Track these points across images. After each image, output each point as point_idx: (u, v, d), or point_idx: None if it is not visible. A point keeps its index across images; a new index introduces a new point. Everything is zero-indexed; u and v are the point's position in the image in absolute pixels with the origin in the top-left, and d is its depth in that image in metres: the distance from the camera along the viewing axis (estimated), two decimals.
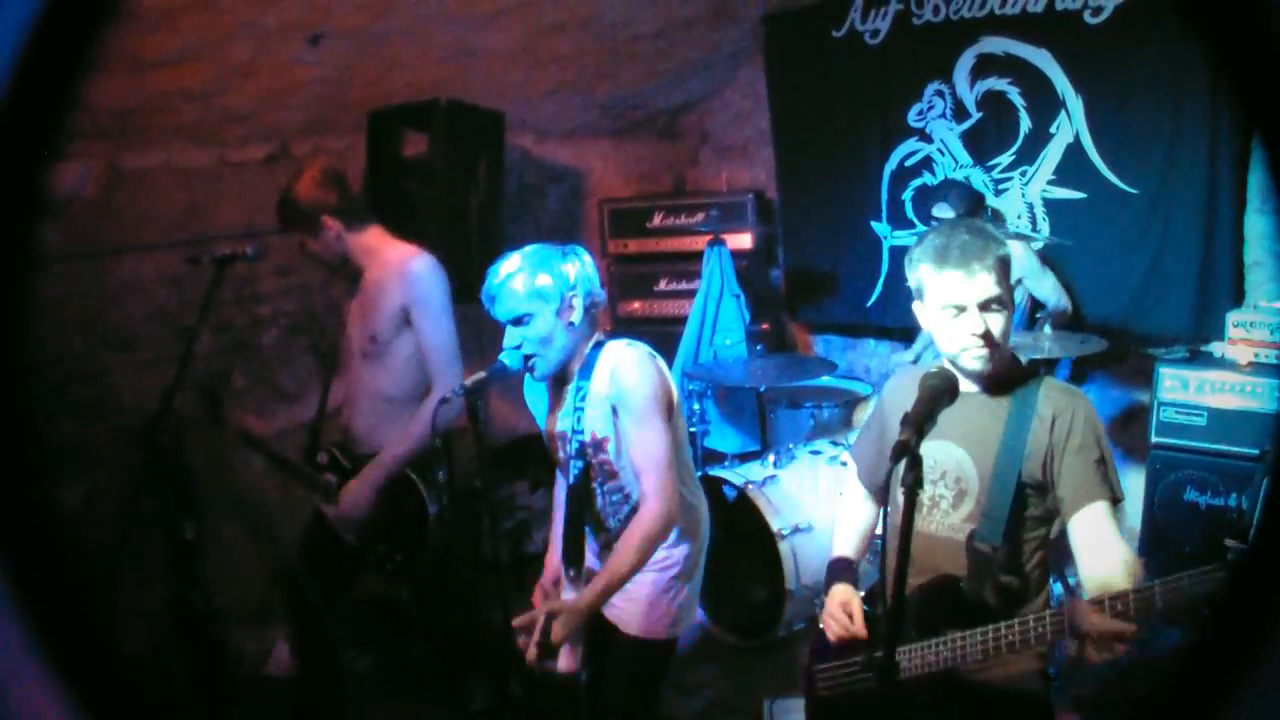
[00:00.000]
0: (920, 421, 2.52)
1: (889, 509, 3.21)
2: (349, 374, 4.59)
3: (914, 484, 2.38)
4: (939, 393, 2.66)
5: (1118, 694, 4.58)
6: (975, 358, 2.92)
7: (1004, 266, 2.90)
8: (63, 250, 4.72)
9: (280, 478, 4.69)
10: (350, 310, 4.54)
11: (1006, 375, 3.03)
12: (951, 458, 3.05)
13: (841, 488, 3.59)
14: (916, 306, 3.09)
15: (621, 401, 3.44)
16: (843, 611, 3.19)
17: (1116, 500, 2.91)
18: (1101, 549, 2.84)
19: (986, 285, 2.85)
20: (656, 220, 7.63)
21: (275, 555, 6.01)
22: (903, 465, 2.40)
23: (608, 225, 7.74)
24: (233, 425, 4.52)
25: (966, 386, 2.99)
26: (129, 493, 4.11)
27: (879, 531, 3.44)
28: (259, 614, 5.91)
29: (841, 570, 3.37)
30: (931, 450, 2.88)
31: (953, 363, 3.01)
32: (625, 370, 3.45)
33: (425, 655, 5.47)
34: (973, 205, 5.72)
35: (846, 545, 3.48)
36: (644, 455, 3.43)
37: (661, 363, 3.56)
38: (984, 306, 2.87)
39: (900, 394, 3.17)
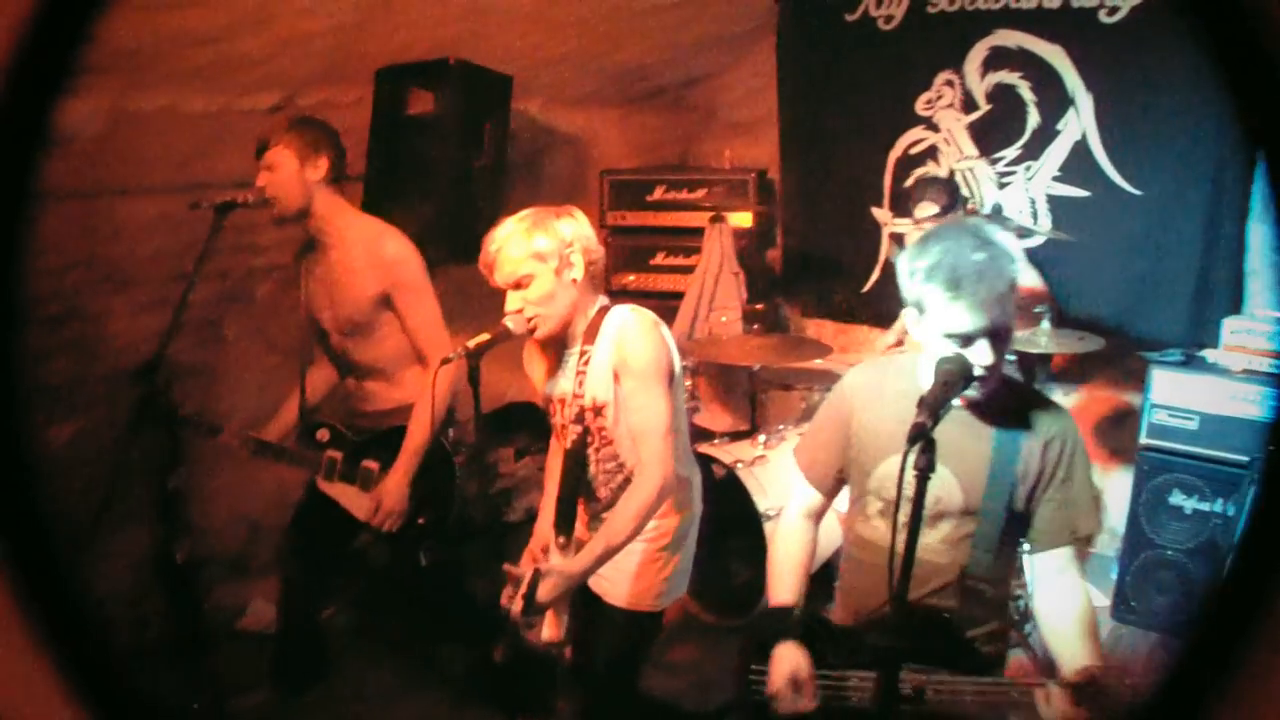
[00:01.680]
0: (937, 405, 2.47)
1: (869, 505, 3.07)
2: (332, 348, 4.58)
3: (927, 468, 2.35)
4: (955, 377, 2.62)
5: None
6: (974, 388, 2.77)
7: (1014, 290, 2.77)
8: (64, 187, 4.69)
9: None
10: (310, 287, 4.51)
11: (995, 393, 2.89)
12: (935, 476, 2.78)
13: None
14: (910, 317, 2.91)
15: (625, 366, 3.45)
16: (790, 686, 2.88)
17: (1091, 533, 2.97)
18: (1062, 596, 2.84)
19: (997, 316, 2.71)
20: (657, 194, 7.60)
21: (258, 511, 6.01)
22: (915, 450, 2.36)
23: (607, 196, 7.70)
24: (213, 427, 4.49)
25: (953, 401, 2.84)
26: (118, 436, 4.10)
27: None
28: (237, 567, 5.91)
29: (785, 626, 3.03)
30: (909, 465, 2.67)
31: None
32: (631, 335, 3.47)
33: (406, 620, 5.47)
34: (952, 200, 5.70)
35: (789, 588, 3.17)
36: (644, 421, 3.45)
37: (666, 330, 3.58)
38: (991, 335, 2.73)
39: (872, 390, 3.09)
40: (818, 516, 3.35)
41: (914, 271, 2.81)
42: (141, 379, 4.09)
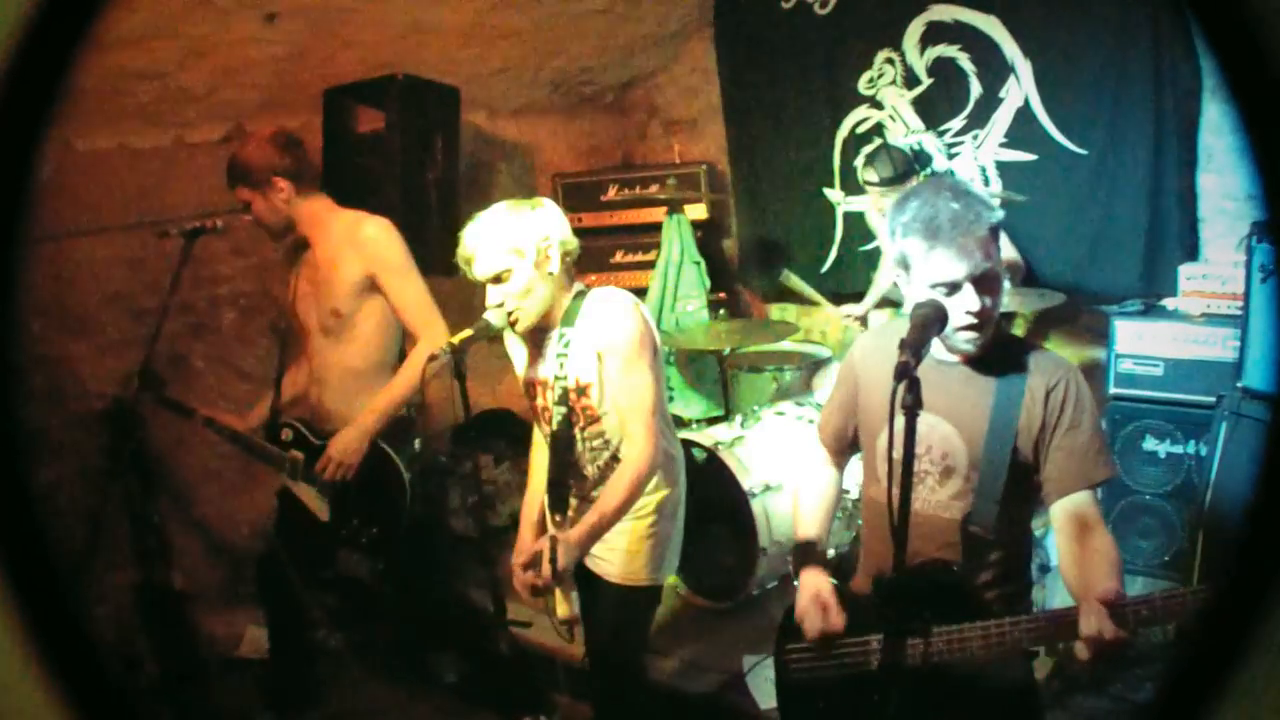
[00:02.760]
0: (917, 345, 2.47)
1: (879, 469, 3.04)
2: (310, 352, 4.58)
3: (914, 405, 2.35)
4: (930, 320, 2.62)
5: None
6: (968, 340, 2.79)
7: (996, 235, 2.76)
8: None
9: (243, 457, 4.67)
10: (299, 288, 4.52)
11: (993, 347, 2.88)
12: (937, 433, 2.90)
13: (810, 446, 3.53)
14: (897, 275, 2.90)
15: (608, 346, 3.50)
16: (816, 606, 2.98)
17: (1106, 479, 2.86)
18: (1087, 542, 2.75)
19: (981, 261, 2.69)
20: (611, 194, 7.63)
21: (241, 537, 6.00)
22: (902, 388, 2.36)
23: (560, 200, 7.69)
24: (184, 408, 4.52)
25: (950, 355, 2.91)
26: (96, 479, 4.10)
27: (853, 495, 3.38)
28: (226, 597, 5.89)
29: (810, 555, 3.17)
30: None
31: (943, 343, 2.86)
32: (612, 316, 3.52)
33: (395, 632, 5.47)
34: (902, 168, 5.77)
35: (812, 523, 3.28)
36: (630, 399, 3.51)
37: (646, 310, 3.62)
38: (978, 282, 2.71)
39: (877, 354, 3.06)
40: (838, 466, 3.41)
41: (894, 229, 2.83)
42: (114, 421, 4.10)
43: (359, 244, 4.29)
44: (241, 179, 4.30)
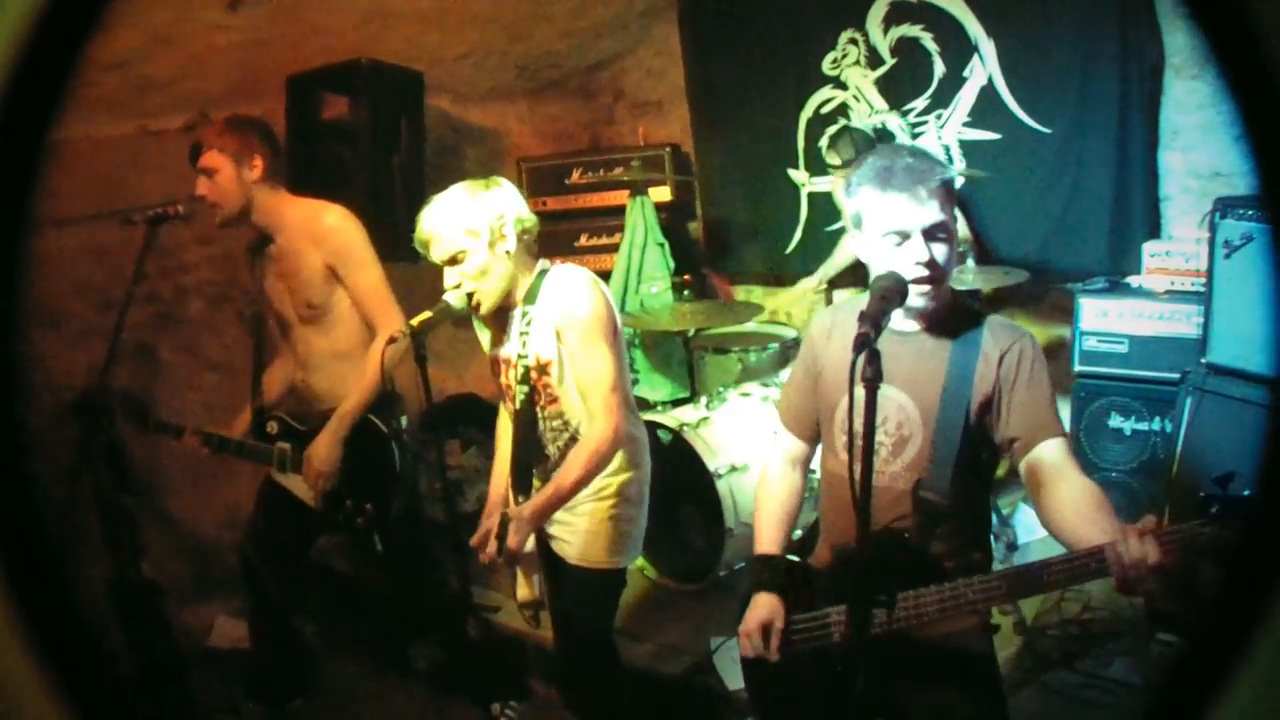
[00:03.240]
0: (876, 317, 2.47)
1: (836, 441, 3.04)
2: (294, 341, 4.59)
3: (874, 378, 2.35)
4: (890, 291, 2.64)
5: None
6: (920, 293, 2.78)
7: (949, 191, 2.80)
8: None
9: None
10: (269, 282, 4.52)
11: (948, 313, 2.93)
12: (893, 403, 2.91)
13: (775, 427, 3.49)
14: (853, 237, 2.95)
15: (567, 324, 3.53)
16: (761, 634, 2.98)
17: (1064, 435, 2.84)
18: (1067, 484, 2.72)
19: (932, 211, 2.73)
20: (575, 177, 7.64)
21: (211, 529, 6.00)
22: (862, 360, 2.37)
23: (525, 184, 7.68)
24: (172, 428, 4.52)
25: (907, 326, 2.92)
26: (66, 472, 4.08)
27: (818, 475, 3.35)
28: (197, 588, 5.89)
29: (767, 576, 3.10)
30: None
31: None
32: (571, 293, 3.54)
33: (369, 621, 5.47)
34: (865, 149, 5.77)
35: (771, 536, 3.20)
36: (590, 376, 3.53)
37: (606, 288, 3.64)
38: (929, 234, 2.75)
39: (836, 329, 3.10)
40: (802, 464, 3.36)
41: (850, 186, 2.90)
42: (83, 412, 4.08)
43: (319, 236, 4.29)
44: (218, 145, 4.24)
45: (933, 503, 2.86)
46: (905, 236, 2.76)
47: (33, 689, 1.66)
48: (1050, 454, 2.79)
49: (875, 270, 2.84)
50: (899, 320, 2.90)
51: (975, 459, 2.92)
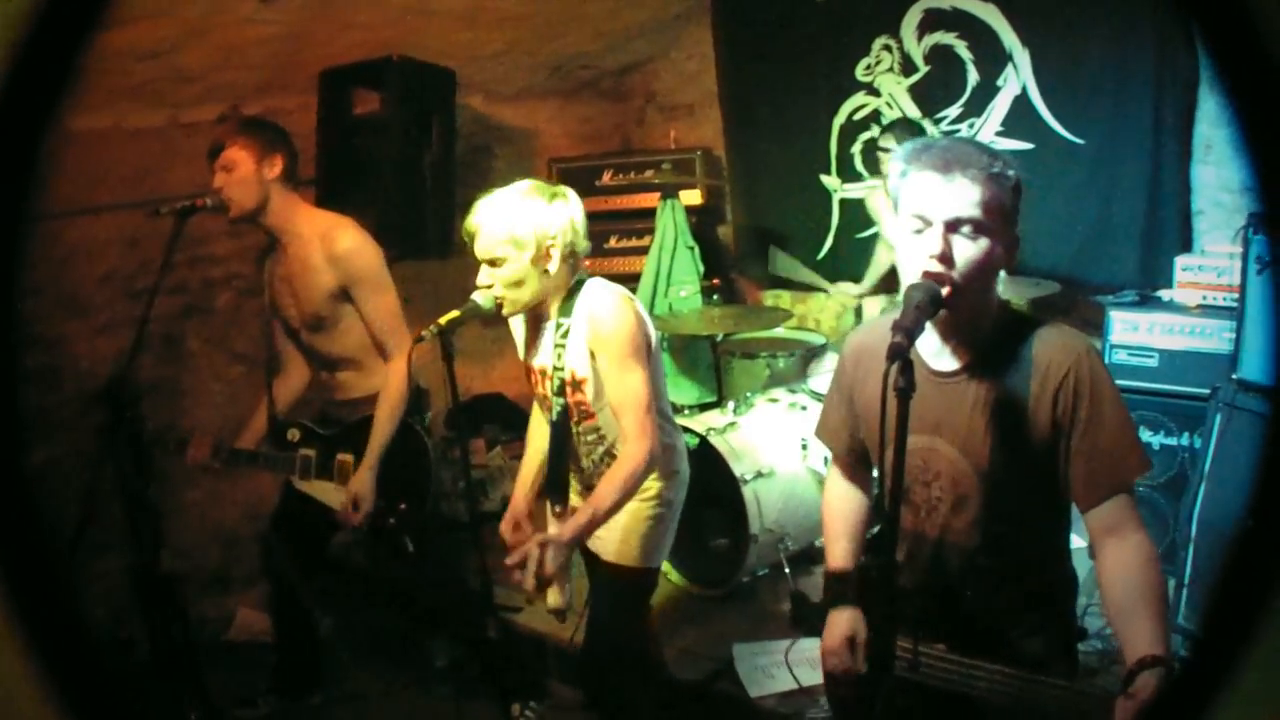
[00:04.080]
0: (909, 326, 2.28)
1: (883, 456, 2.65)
2: (302, 345, 4.60)
3: (907, 387, 2.19)
4: (923, 301, 2.35)
5: None
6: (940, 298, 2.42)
7: (994, 187, 2.43)
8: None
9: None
10: (277, 289, 4.51)
11: (989, 339, 2.60)
12: (943, 458, 2.67)
13: (803, 433, 3.42)
14: (893, 224, 2.61)
15: (600, 344, 3.48)
16: (845, 648, 2.80)
17: (1139, 473, 2.56)
18: (1115, 560, 2.49)
19: (961, 197, 2.41)
20: (606, 178, 7.63)
21: (232, 520, 6.01)
22: (895, 369, 2.19)
23: (555, 183, 7.65)
24: (161, 439, 4.49)
25: (944, 364, 2.65)
26: (91, 460, 4.09)
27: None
28: (217, 580, 5.90)
29: (840, 589, 2.95)
30: (918, 448, 2.53)
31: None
32: (602, 313, 3.49)
33: (387, 616, 5.47)
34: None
35: (841, 552, 3.03)
36: (624, 397, 3.48)
37: (640, 304, 3.59)
38: (952, 225, 2.43)
39: (863, 350, 2.88)
40: (858, 477, 3.14)
41: (893, 164, 2.60)
42: (108, 400, 4.08)
43: (335, 258, 4.27)
44: (241, 141, 4.25)
45: (994, 569, 2.68)
46: (927, 223, 2.46)
47: (31, 688, 1.65)
48: (1108, 516, 2.53)
49: (905, 276, 2.53)
50: (935, 354, 2.66)
51: (1043, 514, 2.69)
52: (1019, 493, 2.61)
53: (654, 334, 3.65)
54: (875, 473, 3.02)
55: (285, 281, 4.43)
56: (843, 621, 2.85)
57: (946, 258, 2.42)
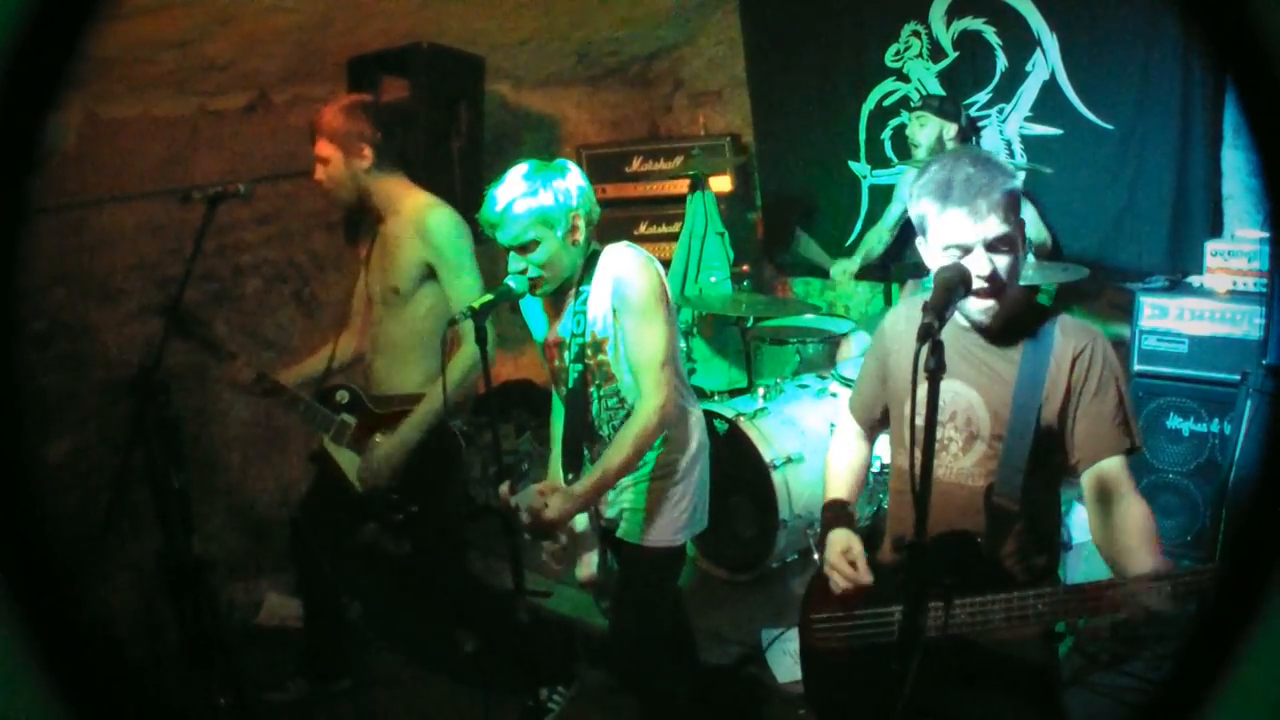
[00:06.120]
0: (940, 307, 2.41)
1: (905, 435, 2.81)
2: (372, 320, 4.62)
3: (937, 368, 2.28)
4: (953, 282, 2.54)
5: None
6: (981, 310, 2.75)
7: (1012, 201, 2.69)
8: (42, 202, 4.69)
9: (265, 426, 4.66)
10: (370, 259, 4.56)
11: (1018, 315, 2.85)
12: (962, 400, 2.89)
13: (832, 419, 3.46)
14: (919, 243, 2.88)
15: (622, 300, 3.50)
16: (845, 560, 2.95)
17: (1129, 450, 2.79)
18: (1116, 509, 2.74)
19: (992, 224, 2.64)
20: (635, 165, 7.66)
21: (262, 505, 6.04)
22: (925, 350, 2.29)
23: (586, 171, 7.64)
24: (221, 350, 4.50)
25: (979, 319, 2.83)
26: (120, 446, 4.11)
27: (874, 469, 3.33)
28: (246, 565, 5.92)
29: (838, 514, 3.16)
30: (940, 390, 2.56)
31: (960, 312, 2.82)
32: (626, 271, 3.51)
33: (415, 602, 5.48)
34: (952, 106, 6.05)
35: (841, 486, 3.31)
36: (642, 354, 3.51)
37: (658, 265, 3.62)
38: (991, 247, 2.67)
39: (905, 323, 3.08)
40: (868, 442, 3.42)
41: (913, 194, 2.81)
42: (138, 387, 4.09)
43: (424, 232, 4.30)
44: (328, 134, 4.30)
45: (1005, 508, 2.84)
46: (966, 250, 2.68)
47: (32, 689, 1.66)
48: (1107, 473, 2.78)
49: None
50: (966, 321, 2.88)
51: (1047, 464, 2.87)
52: (1028, 437, 2.80)
53: (672, 298, 3.65)
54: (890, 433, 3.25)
55: (380, 254, 4.48)
56: (838, 539, 3.03)
57: (995, 275, 2.69)
